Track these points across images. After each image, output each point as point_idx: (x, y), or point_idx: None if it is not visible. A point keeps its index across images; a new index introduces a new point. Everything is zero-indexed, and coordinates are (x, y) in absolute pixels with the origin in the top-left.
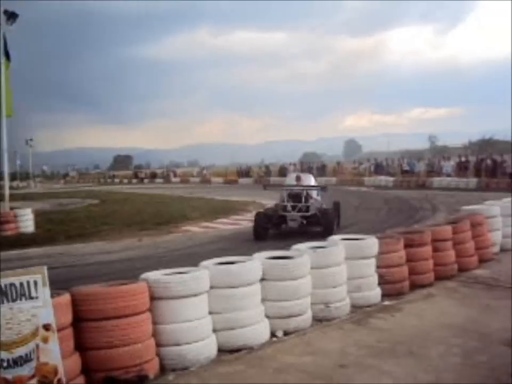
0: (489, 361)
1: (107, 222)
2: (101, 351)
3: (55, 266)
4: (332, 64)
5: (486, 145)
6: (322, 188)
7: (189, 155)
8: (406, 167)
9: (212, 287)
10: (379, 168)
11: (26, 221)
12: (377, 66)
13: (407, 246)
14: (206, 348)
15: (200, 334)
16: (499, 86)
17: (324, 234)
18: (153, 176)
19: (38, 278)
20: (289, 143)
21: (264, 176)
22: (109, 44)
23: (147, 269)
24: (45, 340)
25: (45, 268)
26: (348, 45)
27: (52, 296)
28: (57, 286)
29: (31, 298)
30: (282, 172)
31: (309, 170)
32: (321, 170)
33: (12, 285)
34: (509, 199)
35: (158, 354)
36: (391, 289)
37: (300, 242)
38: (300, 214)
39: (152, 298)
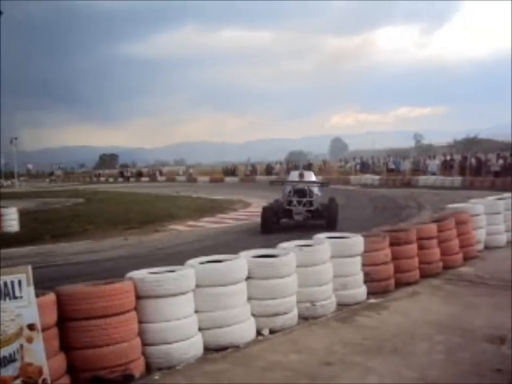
0: (473, 358)
1: (93, 221)
2: (86, 350)
3: (40, 265)
4: (318, 63)
5: (470, 144)
6: (325, 184)
7: (175, 154)
8: (392, 166)
9: (197, 286)
10: (365, 167)
11: (11, 220)
12: (363, 65)
13: (393, 244)
14: (192, 346)
15: (186, 333)
16: (483, 85)
17: (328, 227)
18: (139, 175)
19: (22, 277)
20: (275, 142)
21: (250, 175)
22: (95, 42)
23: (133, 267)
24: (30, 340)
25: (29, 267)
26: (334, 43)
27: (37, 295)
28: (42, 285)
29: (15, 298)
30: (269, 170)
31: (295, 169)
32: (307, 169)
33: None
34: (493, 197)
35: (144, 354)
36: (377, 287)
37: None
38: (305, 208)
39: (138, 297)
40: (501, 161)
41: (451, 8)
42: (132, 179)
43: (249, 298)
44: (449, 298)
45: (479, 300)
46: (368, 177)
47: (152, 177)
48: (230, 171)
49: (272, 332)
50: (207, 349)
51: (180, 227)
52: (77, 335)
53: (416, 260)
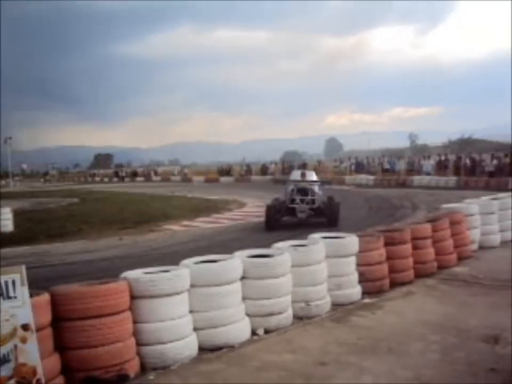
0: (467, 357)
1: (87, 221)
2: (80, 350)
3: (35, 265)
4: (313, 63)
5: (465, 144)
6: (327, 183)
7: (170, 154)
8: (387, 166)
9: (192, 286)
10: (360, 167)
11: (5, 220)
12: (358, 66)
13: (387, 244)
14: (187, 346)
15: (181, 333)
16: (478, 86)
17: (329, 224)
18: (134, 174)
19: (16, 277)
20: (270, 142)
21: (245, 175)
22: (90, 42)
23: (128, 267)
24: (24, 340)
25: (23, 267)
26: (330, 44)
27: (31, 295)
28: (36, 285)
29: (9, 298)
30: (264, 170)
31: (290, 169)
32: (302, 169)
33: None
34: (487, 197)
35: (138, 354)
36: (371, 287)
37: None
38: (307, 206)
39: (133, 297)
40: (495, 162)
41: (446, 8)
42: (126, 179)
43: (244, 298)
44: (443, 298)
45: (474, 300)
46: (363, 177)
47: (147, 177)
48: (225, 171)
49: (267, 331)
50: (202, 349)
51: (174, 227)
52: (71, 335)
53: (410, 260)
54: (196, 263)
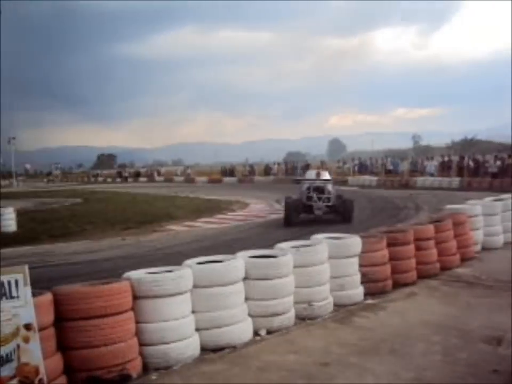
0: (469, 358)
1: (90, 221)
2: (83, 350)
3: (38, 265)
4: (316, 63)
5: (468, 145)
6: (342, 182)
7: (173, 154)
8: (390, 167)
9: (195, 286)
10: (363, 168)
11: (8, 220)
12: (361, 67)
13: (390, 245)
14: (189, 346)
15: (183, 333)
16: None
17: (344, 221)
18: (137, 175)
19: (19, 277)
20: (274, 142)
21: (248, 176)
22: (93, 42)
23: (130, 268)
24: (26, 340)
25: (26, 267)
26: (333, 44)
27: (34, 295)
28: (39, 285)
29: (12, 297)
30: (267, 171)
31: (294, 169)
32: (305, 170)
33: None
34: (491, 198)
35: (141, 354)
36: (374, 288)
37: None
38: (324, 204)
39: (135, 297)
40: (498, 163)
41: (450, 9)
42: (129, 179)
43: (247, 299)
44: (446, 299)
45: (476, 301)
46: (366, 178)
47: (150, 178)
48: (228, 171)
49: (269, 332)
50: (204, 349)
51: (177, 227)
52: (74, 335)
53: (413, 261)
54: (199, 263)
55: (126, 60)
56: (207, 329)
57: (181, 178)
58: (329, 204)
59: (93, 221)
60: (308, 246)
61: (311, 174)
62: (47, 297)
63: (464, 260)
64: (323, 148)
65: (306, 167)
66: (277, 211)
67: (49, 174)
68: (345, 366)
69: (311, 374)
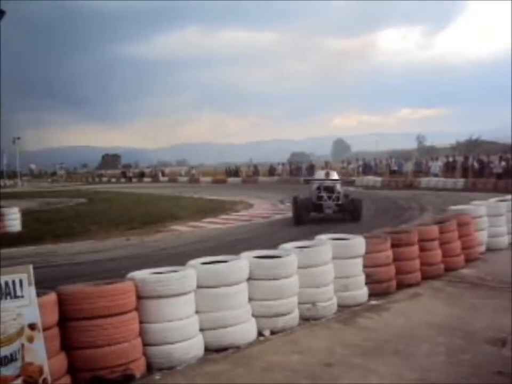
0: (473, 360)
1: (95, 221)
2: (87, 350)
3: (42, 265)
4: (320, 64)
5: (473, 146)
6: (350, 182)
7: (177, 154)
8: (394, 167)
9: (199, 286)
10: (367, 168)
11: (13, 220)
12: (365, 67)
13: (394, 245)
14: (193, 347)
15: (187, 333)
16: (487, 87)
17: (353, 219)
18: (142, 175)
19: (23, 277)
20: (278, 143)
21: (252, 176)
22: (97, 42)
23: (134, 268)
24: (30, 340)
25: (31, 266)
26: (336, 45)
27: (38, 295)
28: (43, 285)
29: (17, 297)
30: (271, 171)
31: (298, 170)
32: (309, 170)
33: None
34: (495, 199)
35: (144, 354)
36: (378, 289)
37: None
38: (334, 203)
39: (139, 297)
40: (503, 163)
41: (454, 9)
42: (134, 179)
43: (250, 299)
44: (450, 300)
45: (481, 302)
46: (371, 179)
47: (155, 178)
48: (233, 172)
49: (273, 332)
50: (208, 350)
51: (181, 228)
52: (78, 335)
53: (417, 262)
54: (203, 263)
55: (129, 60)
56: (211, 329)
57: (185, 179)
58: (339, 203)
59: (97, 221)
60: (312, 246)
61: (320, 174)
62: (51, 297)
63: (468, 260)
64: (327, 148)
65: (311, 167)
66: (281, 211)
67: (53, 174)
68: (349, 366)
69: (315, 374)
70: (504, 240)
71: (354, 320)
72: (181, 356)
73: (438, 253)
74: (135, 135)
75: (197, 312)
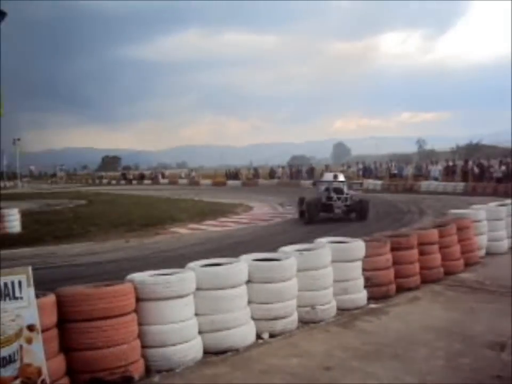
0: (473, 364)
1: (94, 223)
2: (85, 352)
3: (41, 267)
4: (321, 67)
5: (473, 149)
6: (358, 184)
7: (178, 157)
8: (394, 171)
9: (198, 289)
10: (367, 172)
11: (13, 221)
12: (366, 70)
13: (394, 249)
14: (192, 349)
15: (185, 336)
16: (487, 91)
17: (360, 218)
18: (142, 177)
19: (22, 278)
20: (278, 146)
21: (252, 179)
22: (99, 44)
23: (134, 270)
24: (29, 341)
25: (30, 268)
26: (338, 48)
27: (37, 296)
28: (43, 286)
29: (15, 298)
30: (271, 174)
31: (298, 173)
32: (309, 174)
33: None
34: (495, 203)
35: (143, 356)
36: (377, 292)
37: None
38: (343, 203)
39: (138, 299)
40: (503, 168)
41: (455, 13)
42: (134, 181)
43: (249, 302)
44: (450, 304)
45: (480, 306)
46: (371, 182)
47: (155, 180)
48: (233, 174)
49: (272, 335)
50: (207, 352)
51: (181, 230)
52: (76, 337)
53: (417, 265)
54: (202, 266)
55: (131, 62)
56: (210, 332)
57: (185, 181)
58: (347, 203)
59: (97, 223)
60: (311, 249)
61: (329, 176)
62: (50, 298)
63: (468, 264)
64: (328, 151)
65: (311, 170)
66: (281, 214)
67: (53, 175)
68: (348, 370)
69: (313, 377)
70: (504, 245)
71: (354, 324)
72: (179, 358)
73: (438, 256)
74: (136, 137)
75: (196, 314)
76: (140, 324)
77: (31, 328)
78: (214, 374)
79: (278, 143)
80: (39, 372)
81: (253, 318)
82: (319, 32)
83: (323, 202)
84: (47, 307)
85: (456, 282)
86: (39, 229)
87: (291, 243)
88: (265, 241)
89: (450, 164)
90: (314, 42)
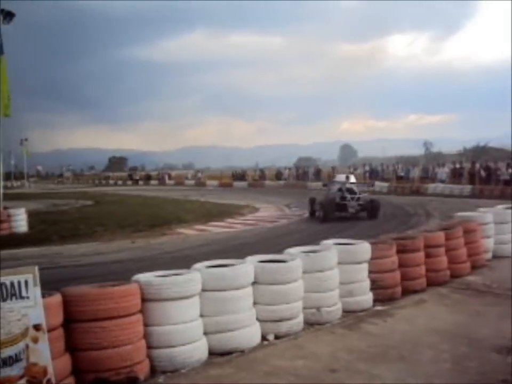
0: (479, 367)
1: (101, 223)
2: (91, 352)
3: (48, 266)
4: (327, 69)
5: (480, 152)
6: (370, 185)
7: (184, 158)
8: (401, 173)
9: (203, 290)
10: (374, 174)
11: (20, 221)
12: (373, 72)
13: (400, 251)
14: (197, 350)
15: (191, 337)
16: (494, 93)
17: (371, 217)
18: (148, 178)
19: (29, 277)
20: (285, 147)
21: (258, 180)
22: (104, 45)
23: (140, 270)
24: (35, 340)
25: (36, 267)
26: (344, 50)
27: (43, 296)
28: (49, 286)
29: (22, 298)
30: (278, 176)
31: (304, 174)
32: (316, 175)
33: (2, 284)
34: (502, 206)
35: (148, 356)
36: (383, 295)
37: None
38: (356, 203)
39: (144, 300)
40: (510, 170)
41: (464, 14)
42: (140, 182)
43: (255, 303)
44: (456, 307)
45: (486, 309)
46: (377, 184)
47: (161, 181)
48: (239, 176)
49: (277, 337)
50: (212, 353)
51: (187, 231)
52: (82, 337)
53: (423, 268)
54: (208, 267)
55: (137, 63)
56: (215, 333)
57: (192, 182)
58: (360, 202)
59: (103, 223)
60: (317, 251)
61: (341, 177)
62: (57, 298)
63: (474, 267)
64: (334, 153)
65: (318, 172)
66: (288, 216)
67: (60, 176)
68: (353, 372)
69: (319, 379)
70: (510, 248)
71: (359, 326)
72: (184, 359)
73: (444, 259)
74: (142, 138)
75: (201, 315)
76: (145, 325)
77: (37, 327)
78: (219, 375)
79: (284, 145)
80: (45, 371)
81: (258, 320)
82: (325, 33)
83: (337, 202)
84: (53, 307)
85: (463, 285)
86: (46, 229)
87: (297, 245)
88: (271, 242)
89: (457, 166)
90: (320, 44)
